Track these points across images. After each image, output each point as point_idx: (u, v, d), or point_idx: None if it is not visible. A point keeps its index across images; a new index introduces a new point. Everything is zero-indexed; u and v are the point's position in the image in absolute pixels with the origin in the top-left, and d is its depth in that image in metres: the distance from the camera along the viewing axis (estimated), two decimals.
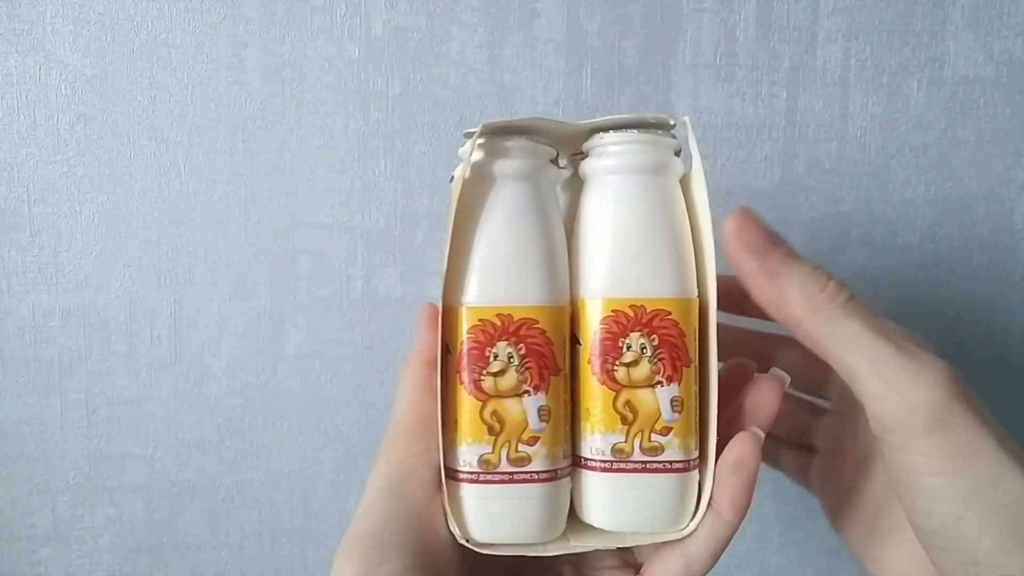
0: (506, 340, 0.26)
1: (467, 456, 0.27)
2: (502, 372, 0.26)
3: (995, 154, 0.45)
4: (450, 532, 0.27)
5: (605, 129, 0.29)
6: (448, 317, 0.27)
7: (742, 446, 0.26)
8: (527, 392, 0.26)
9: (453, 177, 0.28)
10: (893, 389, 0.24)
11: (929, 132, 0.45)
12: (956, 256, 0.46)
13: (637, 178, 0.28)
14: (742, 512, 0.26)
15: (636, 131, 0.28)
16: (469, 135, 0.28)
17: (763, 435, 0.27)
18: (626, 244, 0.27)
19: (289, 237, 0.45)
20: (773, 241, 0.27)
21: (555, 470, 0.27)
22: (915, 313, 0.46)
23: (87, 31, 0.43)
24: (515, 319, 0.26)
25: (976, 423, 0.24)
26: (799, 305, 0.26)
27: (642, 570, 0.28)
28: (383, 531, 0.26)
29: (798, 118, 0.44)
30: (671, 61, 0.44)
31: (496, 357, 0.26)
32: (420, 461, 0.28)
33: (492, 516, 0.27)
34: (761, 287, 0.27)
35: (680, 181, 0.29)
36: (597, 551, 0.30)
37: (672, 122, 0.28)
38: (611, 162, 0.28)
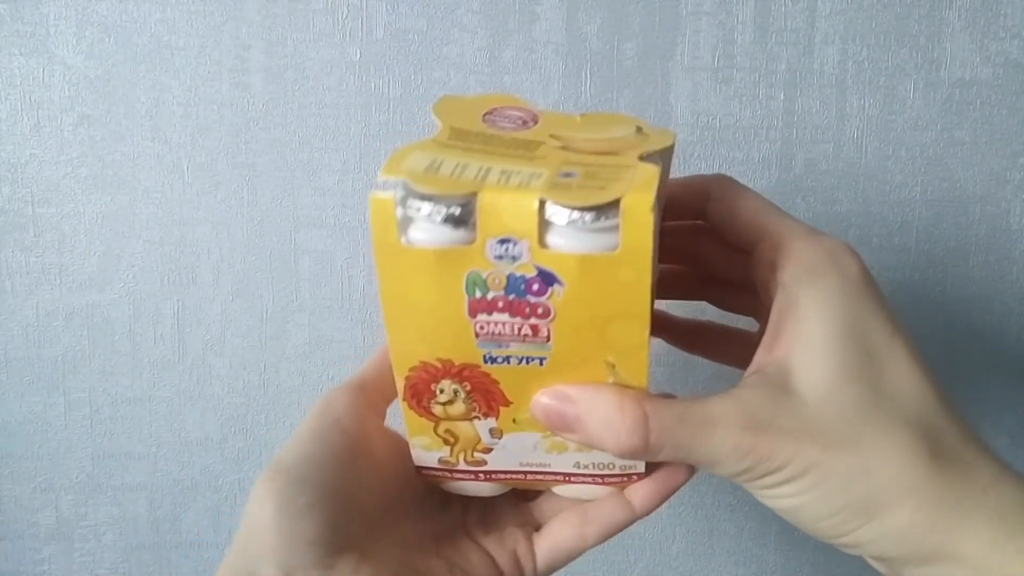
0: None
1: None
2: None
3: (991, 155, 0.45)
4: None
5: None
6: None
7: (676, 471, 0.29)
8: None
9: None
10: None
11: (926, 133, 0.45)
12: (953, 256, 0.46)
13: None
14: (648, 512, 0.29)
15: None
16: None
17: (693, 473, 0.29)
18: None
19: (291, 237, 0.45)
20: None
21: None
22: (912, 313, 0.46)
23: (90, 33, 0.43)
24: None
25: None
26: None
27: (542, 529, 0.31)
28: (306, 465, 0.27)
29: (795, 120, 0.45)
30: (669, 63, 0.44)
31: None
32: (357, 407, 0.29)
33: None
34: None
35: None
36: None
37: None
38: None
